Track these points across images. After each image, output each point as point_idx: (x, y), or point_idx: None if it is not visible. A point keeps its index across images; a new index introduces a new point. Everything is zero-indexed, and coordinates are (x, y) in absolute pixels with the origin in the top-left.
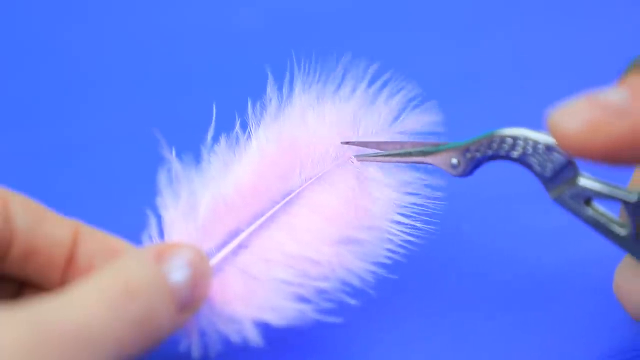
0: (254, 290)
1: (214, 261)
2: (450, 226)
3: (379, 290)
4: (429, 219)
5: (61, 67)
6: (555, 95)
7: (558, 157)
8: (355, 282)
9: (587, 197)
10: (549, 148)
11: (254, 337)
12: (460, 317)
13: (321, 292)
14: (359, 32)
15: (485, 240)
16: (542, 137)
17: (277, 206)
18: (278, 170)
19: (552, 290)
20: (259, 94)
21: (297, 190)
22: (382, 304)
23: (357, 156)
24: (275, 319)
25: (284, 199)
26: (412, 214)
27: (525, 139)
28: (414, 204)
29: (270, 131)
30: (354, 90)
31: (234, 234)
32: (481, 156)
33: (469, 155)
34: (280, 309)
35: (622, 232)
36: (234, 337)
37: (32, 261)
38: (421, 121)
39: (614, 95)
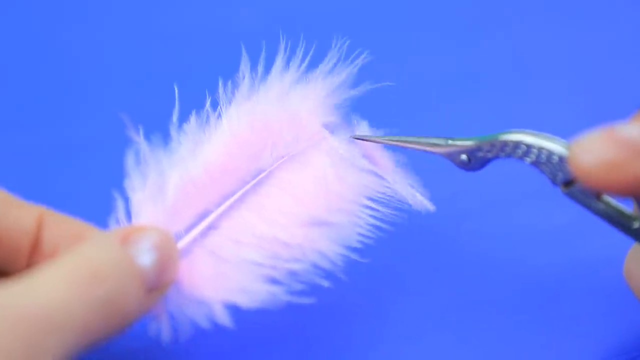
0: (224, 272)
1: (182, 243)
2: (452, 225)
3: (382, 290)
4: (401, 205)
5: (61, 67)
6: (555, 95)
7: (570, 169)
8: (327, 265)
9: (598, 191)
10: (562, 160)
11: (224, 320)
12: (463, 316)
13: (293, 274)
14: (359, 32)
15: (487, 239)
16: (558, 149)
17: (247, 186)
18: (249, 150)
19: (556, 290)
20: None
21: (268, 170)
22: (386, 303)
23: (361, 137)
24: (245, 301)
25: (254, 178)
26: (384, 199)
27: (540, 148)
28: (388, 187)
29: (242, 110)
30: (329, 71)
31: (203, 215)
32: (493, 157)
33: (480, 154)
34: (251, 291)
35: (635, 224)
36: (204, 320)
37: None
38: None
39: (633, 131)
